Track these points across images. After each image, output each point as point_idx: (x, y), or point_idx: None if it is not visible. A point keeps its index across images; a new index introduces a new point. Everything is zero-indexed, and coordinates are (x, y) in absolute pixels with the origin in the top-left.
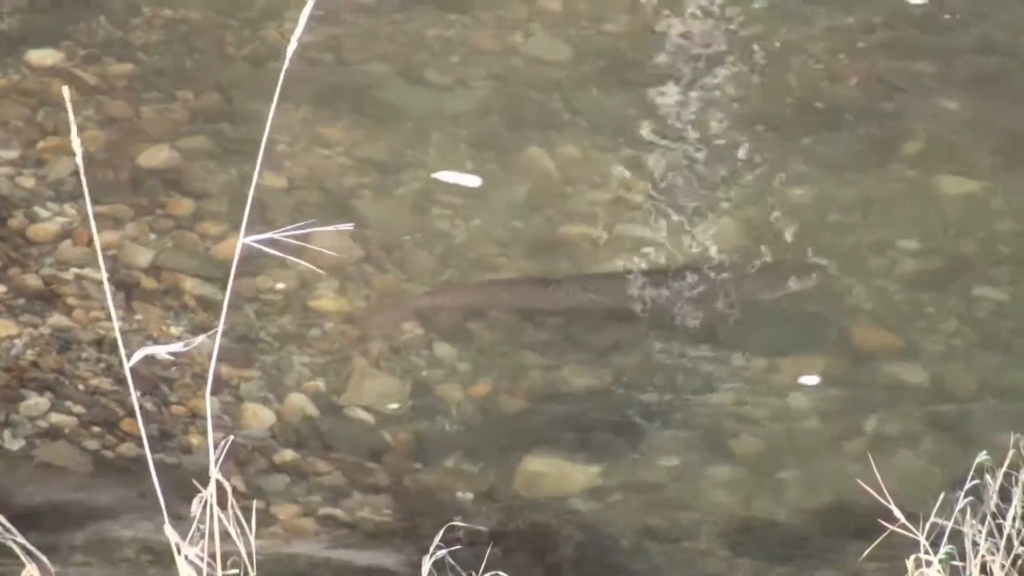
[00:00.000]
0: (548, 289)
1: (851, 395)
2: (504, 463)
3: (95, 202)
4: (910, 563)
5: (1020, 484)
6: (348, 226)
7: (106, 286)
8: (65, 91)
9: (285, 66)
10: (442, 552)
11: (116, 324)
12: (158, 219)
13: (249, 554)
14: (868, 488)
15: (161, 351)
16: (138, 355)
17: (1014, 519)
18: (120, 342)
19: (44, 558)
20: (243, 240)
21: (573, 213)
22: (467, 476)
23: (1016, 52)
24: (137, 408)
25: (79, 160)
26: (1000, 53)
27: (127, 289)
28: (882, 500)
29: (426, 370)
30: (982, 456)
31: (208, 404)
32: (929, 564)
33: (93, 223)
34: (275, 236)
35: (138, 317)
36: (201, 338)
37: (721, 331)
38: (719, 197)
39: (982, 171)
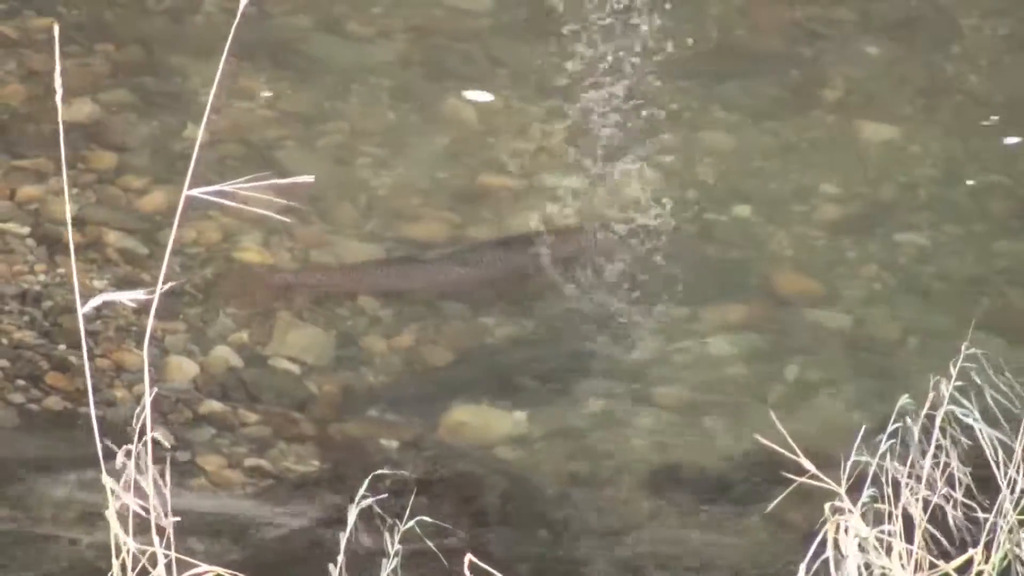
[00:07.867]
0: (464, 261)
1: (773, 341)
2: (429, 412)
3: (17, 156)
4: (828, 509)
5: (939, 427)
6: (308, 179)
7: None
8: None
9: None
10: (368, 501)
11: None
12: (80, 173)
13: (173, 506)
14: (779, 439)
15: (122, 297)
16: (93, 302)
17: (934, 462)
18: (77, 294)
19: None
20: (186, 192)
21: (494, 163)
22: (392, 426)
23: None
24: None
25: None
26: None
27: (50, 243)
28: (786, 452)
29: (350, 321)
30: (904, 399)
31: (146, 358)
32: (847, 512)
33: None
34: (224, 188)
35: (60, 271)
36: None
37: (644, 280)
38: (640, 146)
39: (901, 116)
